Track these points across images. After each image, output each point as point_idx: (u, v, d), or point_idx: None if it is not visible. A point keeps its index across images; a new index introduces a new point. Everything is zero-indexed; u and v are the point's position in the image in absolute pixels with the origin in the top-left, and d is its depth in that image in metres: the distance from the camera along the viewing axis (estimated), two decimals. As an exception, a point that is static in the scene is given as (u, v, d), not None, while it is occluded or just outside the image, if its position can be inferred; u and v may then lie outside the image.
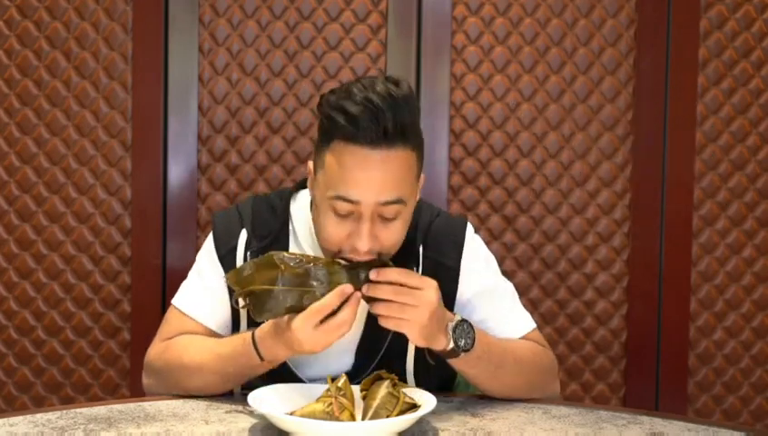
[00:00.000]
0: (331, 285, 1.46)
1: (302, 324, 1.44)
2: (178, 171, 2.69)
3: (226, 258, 1.67)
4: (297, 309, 1.46)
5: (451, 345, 1.52)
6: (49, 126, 2.70)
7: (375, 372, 1.51)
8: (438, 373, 1.68)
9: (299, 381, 1.63)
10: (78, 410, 1.53)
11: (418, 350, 1.62)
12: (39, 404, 2.71)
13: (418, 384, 1.63)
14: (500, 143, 2.72)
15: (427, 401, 1.46)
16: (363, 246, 1.48)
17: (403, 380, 1.63)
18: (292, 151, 2.71)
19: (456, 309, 1.66)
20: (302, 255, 1.50)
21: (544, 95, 2.72)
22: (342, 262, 1.49)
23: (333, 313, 1.45)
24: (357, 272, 1.48)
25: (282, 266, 1.47)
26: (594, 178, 2.73)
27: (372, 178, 1.47)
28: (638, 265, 2.73)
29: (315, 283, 1.47)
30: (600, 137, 2.73)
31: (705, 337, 2.75)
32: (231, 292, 1.55)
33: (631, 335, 2.74)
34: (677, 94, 2.71)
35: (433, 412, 1.46)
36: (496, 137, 2.72)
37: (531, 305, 2.72)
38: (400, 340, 1.55)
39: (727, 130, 2.73)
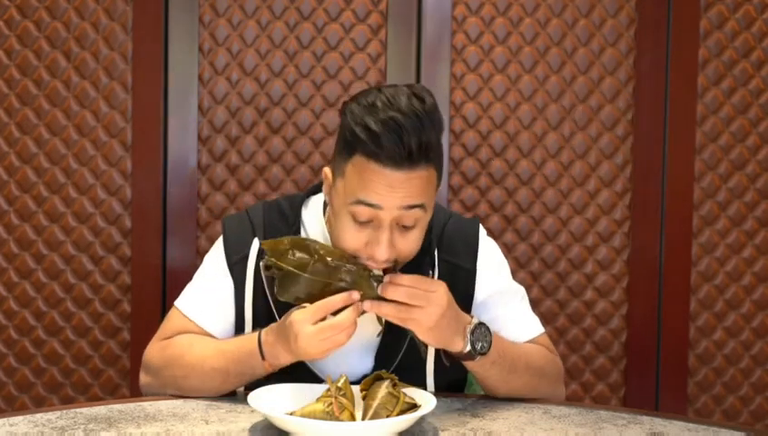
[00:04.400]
0: (354, 287, 1.48)
1: (303, 317, 1.46)
2: (178, 171, 2.70)
3: (237, 266, 1.65)
4: (317, 298, 1.48)
5: (468, 348, 1.52)
6: (49, 126, 2.70)
7: (375, 372, 1.51)
8: (453, 375, 1.68)
9: (319, 381, 1.61)
10: (78, 410, 1.53)
11: (436, 352, 1.62)
12: (39, 404, 2.71)
13: (436, 385, 1.63)
14: (500, 143, 2.72)
15: (427, 401, 1.46)
16: (382, 255, 1.47)
17: (422, 382, 1.62)
18: (292, 151, 2.71)
19: (472, 310, 1.66)
20: (337, 250, 1.52)
21: (544, 95, 2.72)
22: (374, 271, 1.50)
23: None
24: (381, 282, 1.49)
25: (316, 256, 1.50)
26: (594, 178, 2.73)
27: (394, 193, 1.46)
28: (638, 265, 2.73)
29: (340, 280, 1.49)
30: (600, 137, 2.73)
31: (705, 337, 2.75)
32: (261, 255, 1.57)
33: (631, 335, 2.74)
34: (677, 94, 2.71)
35: (433, 412, 1.46)
36: (496, 137, 2.72)
37: (531, 305, 2.70)
38: (418, 342, 1.55)
39: (727, 130, 2.73)
